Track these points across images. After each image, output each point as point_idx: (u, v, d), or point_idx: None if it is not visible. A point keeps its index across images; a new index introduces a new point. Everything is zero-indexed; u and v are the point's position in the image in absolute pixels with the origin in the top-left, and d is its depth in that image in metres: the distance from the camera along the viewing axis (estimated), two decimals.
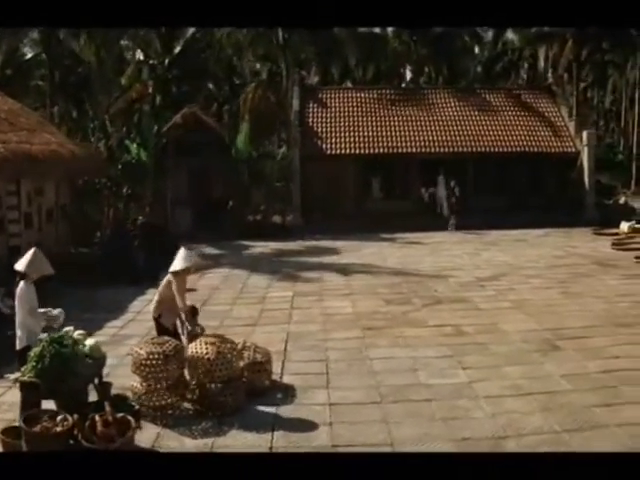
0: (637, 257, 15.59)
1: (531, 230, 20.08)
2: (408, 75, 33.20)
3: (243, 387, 6.67)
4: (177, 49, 27.09)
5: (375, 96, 24.25)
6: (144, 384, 6.35)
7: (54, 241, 15.97)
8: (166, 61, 26.86)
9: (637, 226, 20.76)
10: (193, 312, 7.60)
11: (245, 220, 20.50)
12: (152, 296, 12.15)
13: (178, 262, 7.32)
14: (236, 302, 11.73)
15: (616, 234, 20.03)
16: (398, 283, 12.77)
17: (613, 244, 17.78)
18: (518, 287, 12.23)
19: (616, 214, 22.47)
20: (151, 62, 26.20)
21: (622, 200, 25.85)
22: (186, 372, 6.65)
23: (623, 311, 10.23)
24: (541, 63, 29.44)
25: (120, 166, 20.74)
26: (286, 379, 7.40)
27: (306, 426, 6.06)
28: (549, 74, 26.94)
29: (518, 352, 8.24)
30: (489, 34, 35.95)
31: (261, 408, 6.52)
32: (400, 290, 12.12)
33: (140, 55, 26.95)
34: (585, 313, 10.13)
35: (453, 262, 15.21)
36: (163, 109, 22.37)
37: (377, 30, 29.61)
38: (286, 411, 6.43)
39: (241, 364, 6.87)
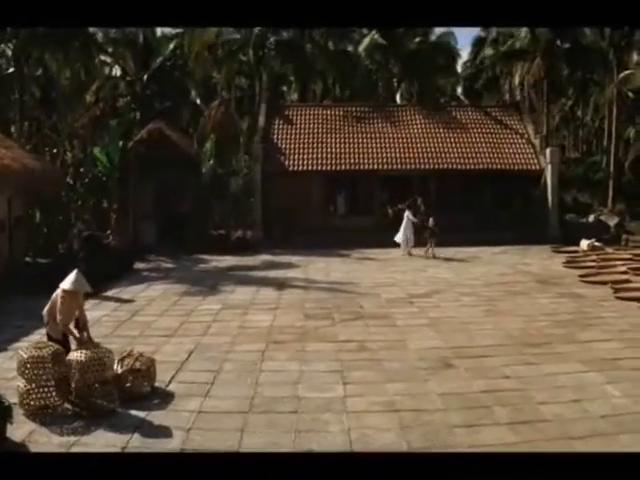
0: (582, 275, 15.63)
1: (490, 247, 20.12)
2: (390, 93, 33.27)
3: (117, 391, 7.05)
4: (155, 64, 27.43)
5: (341, 113, 24.48)
6: (27, 385, 6.80)
7: (8, 251, 16.28)
8: (145, 77, 27.24)
9: (597, 244, 20.81)
10: (82, 322, 7.82)
11: (208, 235, 20.65)
12: (88, 305, 12.63)
13: (69, 282, 7.58)
14: (164, 314, 11.85)
15: (575, 252, 20.07)
16: (328, 298, 12.84)
17: (565, 262, 17.80)
18: (445, 304, 12.26)
19: (585, 231, 22.51)
20: (128, 78, 26.55)
21: (591, 218, 25.88)
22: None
23: (538, 331, 10.23)
24: (517, 80, 29.60)
25: (87, 180, 21.05)
26: (172, 386, 7.67)
27: (165, 430, 6.32)
28: (517, 92, 27.10)
29: (409, 369, 8.28)
30: (466, 52, 36.26)
31: (133, 412, 6.84)
32: (326, 305, 12.18)
33: (117, 71, 27.30)
34: (498, 332, 10.12)
35: (394, 278, 15.26)
36: (132, 124, 22.71)
37: (349, 48, 30.00)
38: (155, 416, 6.72)
39: (119, 370, 7.32)
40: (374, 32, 28.28)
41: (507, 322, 10.78)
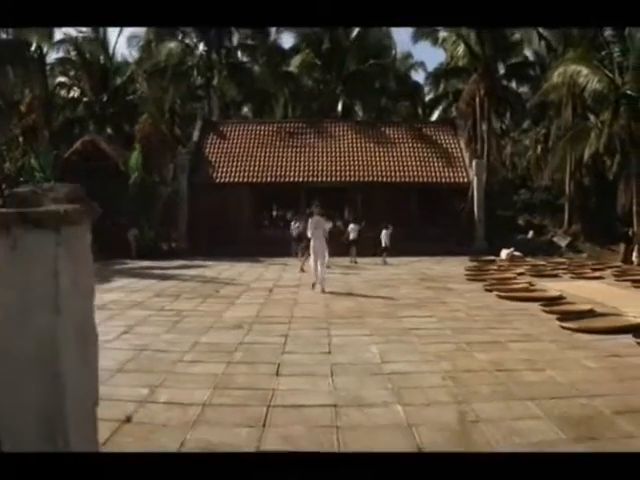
0: (467, 274, 16.01)
1: (410, 257, 20.39)
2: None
3: None
4: (113, 86, 28.72)
5: (274, 128, 25.40)
6: None
7: None
8: (104, 98, 28.59)
9: (516, 254, 21.14)
10: None
11: (137, 243, 21.39)
12: None
13: None
14: None
15: (492, 261, 20.31)
16: (195, 287, 13.33)
17: (467, 269, 17.88)
18: (303, 292, 12.58)
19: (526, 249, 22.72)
20: (85, 100, 27.91)
21: (530, 235, 26.22)
22: None
23: (363, 308, 10.42)
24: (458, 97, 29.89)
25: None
26: None
27: None
28: (453, 108, 27.69)
29: (199, 328, 8.57)
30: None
31: None
32: (185, 290, 12.71)
33: (75, 93, 28.60)
34: (321, 309, 10.41)
35: (281, 277, 15.66)
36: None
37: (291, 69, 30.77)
38: None
39: None
40: (307, 51, 29.37)
41: (342, 302, 11.05)
